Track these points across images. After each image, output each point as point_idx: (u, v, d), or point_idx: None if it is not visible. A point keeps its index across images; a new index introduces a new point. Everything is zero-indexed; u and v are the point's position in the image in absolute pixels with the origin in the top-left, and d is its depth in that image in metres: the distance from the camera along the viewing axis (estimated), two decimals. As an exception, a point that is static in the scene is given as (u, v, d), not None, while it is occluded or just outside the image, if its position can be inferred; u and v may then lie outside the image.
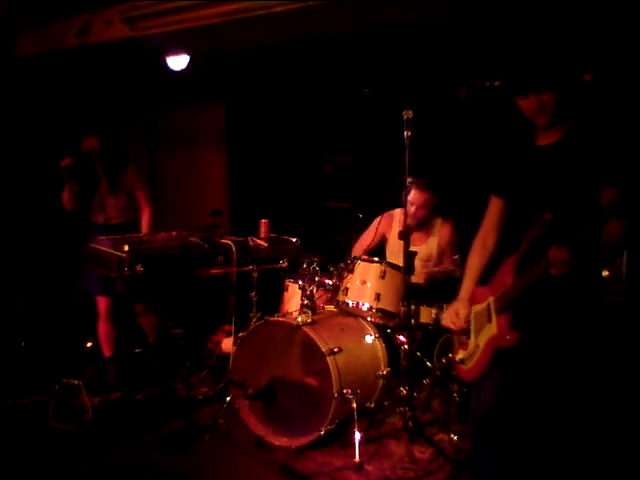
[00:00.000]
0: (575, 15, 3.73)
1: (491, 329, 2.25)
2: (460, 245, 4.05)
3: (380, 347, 3.63)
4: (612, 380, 2.94)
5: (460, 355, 2.44)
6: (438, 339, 3.79)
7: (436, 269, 4.09)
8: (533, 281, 2.08)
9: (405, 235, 3.51)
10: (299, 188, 6.09)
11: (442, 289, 3.71)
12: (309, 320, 3.46)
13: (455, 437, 3.35)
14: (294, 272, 4.09)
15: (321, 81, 5.57)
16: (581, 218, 2.01)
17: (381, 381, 3.56)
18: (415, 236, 3.98)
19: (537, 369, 2.17)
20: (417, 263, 3.88)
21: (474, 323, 2.37)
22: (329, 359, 3.26)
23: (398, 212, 4.19)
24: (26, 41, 5.42)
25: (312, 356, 3.35)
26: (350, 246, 4.35)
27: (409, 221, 3.72)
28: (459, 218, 4.21)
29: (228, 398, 3.63)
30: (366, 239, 4.19)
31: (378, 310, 3.64)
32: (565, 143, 2.17)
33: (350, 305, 3.70)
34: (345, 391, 3.25)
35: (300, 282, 3.78)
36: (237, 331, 3.75)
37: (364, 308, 3.66)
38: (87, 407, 3.75)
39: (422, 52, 4.76)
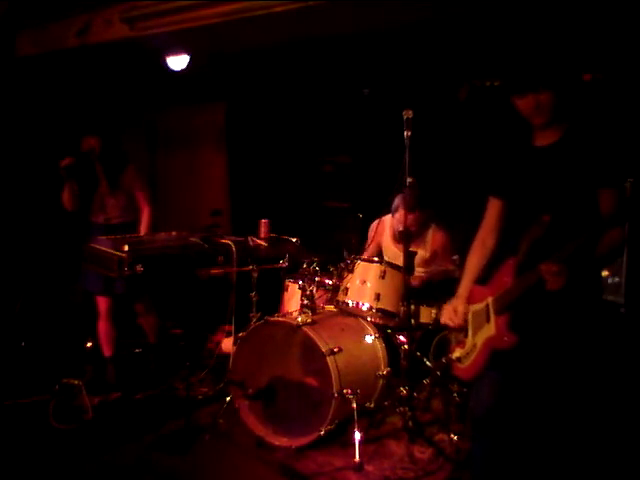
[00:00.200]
0: (574, 15, 3.73)
1: (489, 329, 2.25)
2: (459, 246, 4.04)
3: (380, 347, 3.63)
4: (611, 380, 2.95)
5: (457, 353, 2.44)
6: (434, 338, 3.80)
7: (429, 272, 4.06)
8: (531, 285, 2.08)
9: (405, 235, 3.51)
10: (299, 188, 6.10)
11: (442, 289, 3.70)
12: (309, 320, 3.46)
13: (455, 437, 3.35)
14: (294, 272, 4.09)
15: (321, 81, 5.57)
16: (580, 220, 2.01)
17: (381, 381, 3.56)
18: None
19: (534, 371, 2.17)
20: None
21: (472, 322, 2.37)
22: (329, 359, 3.26)
23: (388, 218, 4.20)
24: (26, 41, 5.42)
25: (312, 356, 3.35)
26: (350, 246, 4.33)
27: (400, 227, 3.72)
28: (458, 218, 4.20)
29: (228, 398, 3.63)
30: (369, 251, 4.17)
31: (378, 310, 3.64)
32: (562, 144, 2.18)
33: (350, 305, 3.70)
34: (345, 391, 3.25)
35: (300, 282, 3.79)
36: (237, 331, 3.75)
37: (364, 308, 3.66)
38: (87, 407, 3.75)
39: (422, 52, 4.75)
